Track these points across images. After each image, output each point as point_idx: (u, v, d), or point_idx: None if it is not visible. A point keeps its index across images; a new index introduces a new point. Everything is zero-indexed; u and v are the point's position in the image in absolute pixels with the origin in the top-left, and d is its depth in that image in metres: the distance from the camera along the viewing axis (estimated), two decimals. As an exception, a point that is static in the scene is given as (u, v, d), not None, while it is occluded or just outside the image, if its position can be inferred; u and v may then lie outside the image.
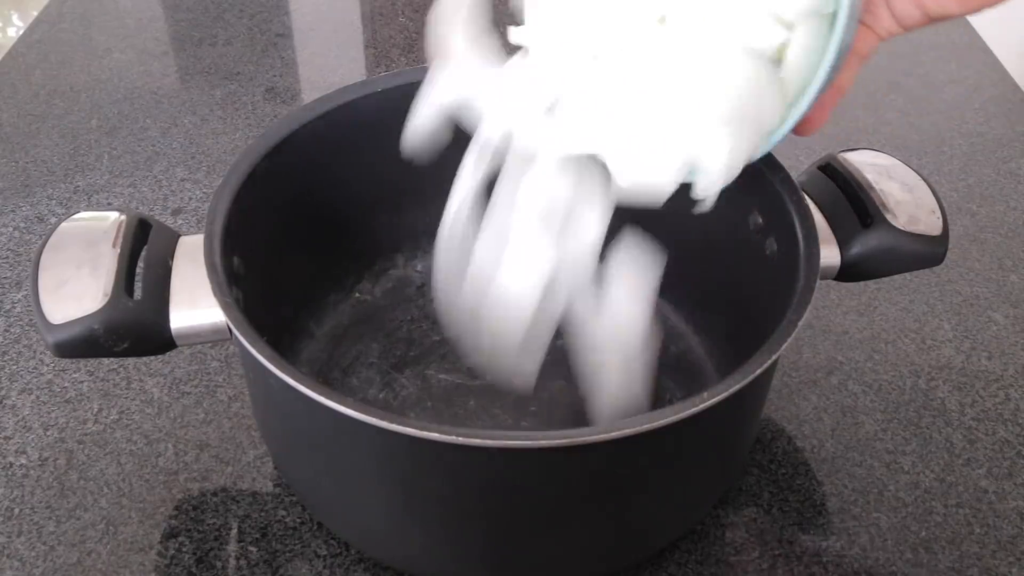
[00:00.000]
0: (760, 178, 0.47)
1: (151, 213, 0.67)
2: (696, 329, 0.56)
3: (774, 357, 0.37)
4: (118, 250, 0.42)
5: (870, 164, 0.49)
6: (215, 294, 0.39)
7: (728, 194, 0.47)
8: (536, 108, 0.43)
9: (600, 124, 0.42)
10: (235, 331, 0.38)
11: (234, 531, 0.48)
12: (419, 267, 0.59)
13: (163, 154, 0.74)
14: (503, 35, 0.43)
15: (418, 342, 0.56)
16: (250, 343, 0.37)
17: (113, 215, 0.44)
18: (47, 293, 0.40)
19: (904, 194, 0.48)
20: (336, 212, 0.53)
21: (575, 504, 0.40)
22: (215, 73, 0.84)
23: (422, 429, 0.34)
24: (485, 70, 0.43)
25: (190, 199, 0.69)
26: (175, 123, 0.77)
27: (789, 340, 0.38)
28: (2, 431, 0.52)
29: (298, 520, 0.48)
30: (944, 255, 0.47)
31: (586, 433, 0.36)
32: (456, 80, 0.44)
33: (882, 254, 0.46)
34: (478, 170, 0.44)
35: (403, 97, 0.52)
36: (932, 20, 0.39)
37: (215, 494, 0.49)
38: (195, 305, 0.41)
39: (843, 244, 0.47)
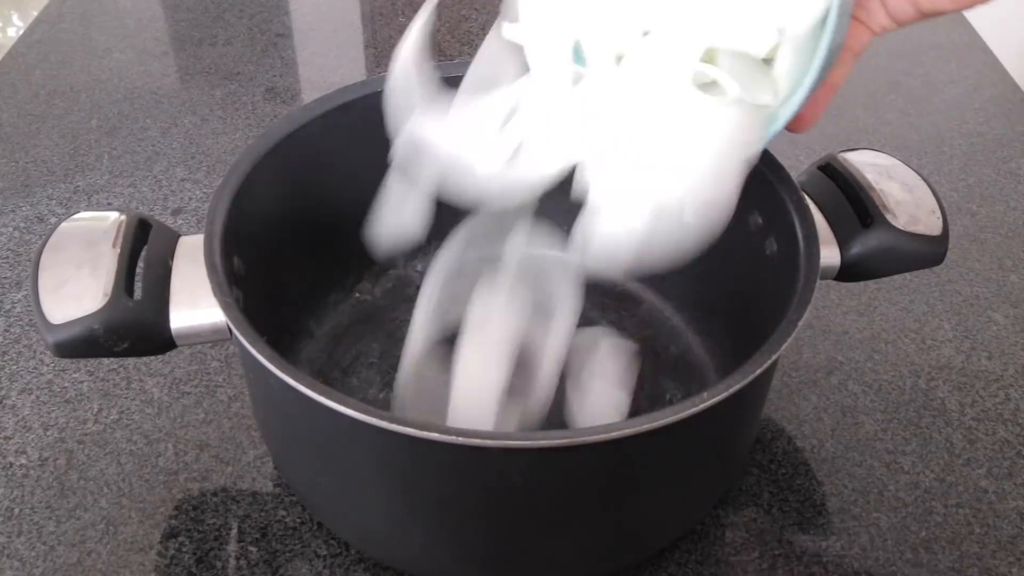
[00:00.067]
0: (760, 178, 0.46)
1: (151, 213, 0.67)
2: (696, 329, 0.56)
3: (774, 357, 0.37)
4: (118, 250, 0.42)
5: (870, 164, 0.49)
6: (215, 294, 0.39)
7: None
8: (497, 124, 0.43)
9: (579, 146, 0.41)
10: (235, 331, 0.38)
11: (234, 531, 0.48)
12: (419, 267, 0.59)
13: (163, 154, 0.74)
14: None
15: (418, 342, 0.56)
16: (250, 343, 0.37)
17: (113, 215, 0.44)
18: (47, 293, 0.40)
19: (904, 194, 0.48)
20: (336, 212, 0.53)
21: (575, 504, 0.40)
22: (215, 73, 0.84)
23: (422, 429, 0.34)
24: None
25: (190, 199, 0.69)
26: (175, 123, 0.77)
27: (789, 340, 0.38)
28: (2, 431, 0.52)
29: (298, 520, 0.48)
30: (944, 255, 0.47)
31: (586, 433, 0.36)
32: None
33: (882, 254, 0.46)
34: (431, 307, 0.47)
35: (403, 97, 0.52)
36: (925, 15, 0.39)
37: (215, 494, 0.49)
38: (195, 305, 0.41)
39: (843, 244, 0.47)
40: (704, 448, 0.42)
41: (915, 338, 0.59)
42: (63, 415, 0.53)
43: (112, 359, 0.55)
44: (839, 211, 0.48)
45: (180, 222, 0.67)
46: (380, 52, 0.88)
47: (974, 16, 0.93)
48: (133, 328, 0.41)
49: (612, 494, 0.40)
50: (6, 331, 0.58)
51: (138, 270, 0.43)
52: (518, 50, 0.43)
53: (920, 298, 0.62)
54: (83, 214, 0.45)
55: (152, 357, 0.56)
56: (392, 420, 0.34)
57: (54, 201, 0.68)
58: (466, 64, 0.47)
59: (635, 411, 0.48)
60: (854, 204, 0.47)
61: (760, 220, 0.48)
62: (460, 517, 0.41)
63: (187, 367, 0.56)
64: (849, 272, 0.47)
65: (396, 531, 0.42)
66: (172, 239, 0.45)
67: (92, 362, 0.56)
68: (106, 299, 0.40)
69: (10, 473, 0.50)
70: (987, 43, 0.90)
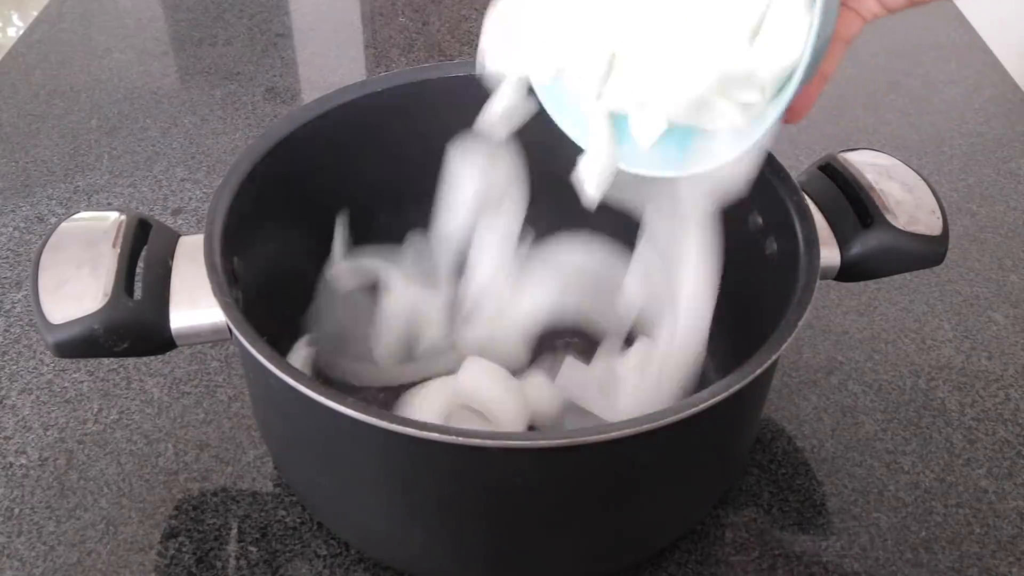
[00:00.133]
0: (760, 178, 0.46)
1: (151, 213, 0.67)
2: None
3: (774, 357, 0.37)
4: (118, 250, 0.42)
5: (870, 164, 0.49)
6: (215, 294, 0.39)
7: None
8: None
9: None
10: (235, 331, 0.38)
11: (234, 531, 0.48)
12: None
13: (163, 154, 0.74)
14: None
15: (418, 342, 0.56)
16: (250, 343, 0.37)
17: (113, 215, 0.44)
18: (47, 293, 0.40)
19: (904, 194, 0.48)
20: (336, 212, 0.53)
21: (575, 504, 0.40)
22: (215, 73, 0.84)
23: (422, 429, 0.34)
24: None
25: (190, 199, 0.69)
26: (175, 123, 0.77)
27: (789, 340, 0.38)
28: (2, 431, 0.52)
29: (298, 520, 0.48)
30: (944, 255, 0.47)
31: (586, 433, 0.36)
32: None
33: (882, 254, 0.46)
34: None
35: (403, 97, 0.52)
36: (915, 2, 0.39)
37: (215, 494, 0.49)
38: (195, 305, 0.41)
39: (843, 244, 0.46)
40: (704, 448, 0.42)
41: (915, 338, 0.59)
42: (63, 415, 0.53)
43: (112, 359, 0.55)
44: (839, 211, 0.47)
45: (180, 222, 0.67)
46: (380, 52, 0.88)
47: (974, 16, 0.93)
48: (133, 328, 0.41)
49: (612, 494, 0.40)
50: (6, 331, 0.58)
51: (138, 270, 0.43)
52: None
53: (920, 298, 0.62)
54: (83, 214, 0.45)
55: (152, 357, 0.56)
56: (392, 420, 0.34)
57: (54, 201, 0.68)
58: (466, 64, 0.47)
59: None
60: (854, 204, 0.47)
61: (760, 220, 0.48)
62: (460, 517, 0.41)
63: (187, 367, 0.56)
64: (849, 272, 0.47)
65: (396, 531, 0.42)
66: (172, 239, 0.45)
67: (92, 362, 0.56)
68: (106, 299, 0.40)
69: (10, 473, 0.50)
70: (987, 43, 0.90)
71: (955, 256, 0.64)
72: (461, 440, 0.34)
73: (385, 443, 0.37)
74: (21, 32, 0.91)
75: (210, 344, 0.57)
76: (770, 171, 0.46)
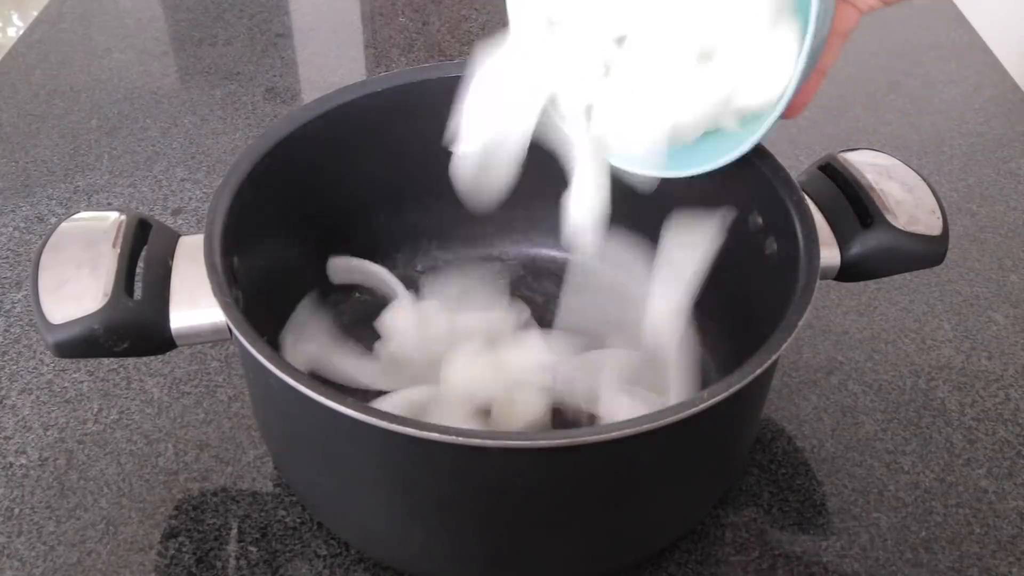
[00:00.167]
0: (760, 178, 0.47)
1: (151, 213, 0.67)
2: (696, 329, 0.56)
3: (774, 357, 0.37)
4: (118, 250, 0.42)
5: (870, 164, 0.49)
6: (215, 294, 0.39)
7: (728, 194, 0.47)
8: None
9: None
10: (235, 331, 0.38)
11: (234, 531, 0.48)
12: (419, 267, 0.59)
13: (163, 154, 0.74)
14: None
15: (418, 342, 0.56)
16: (250, 343, 0.37)
17: (113, 215, 0.44)
18: (47, 293, 0.40)
19: (904, 194, 0.48)
20: (336, 212, 0.53)
21: (575, 504, 0.40)
22: (215, 73, 0.84)
23: (422, 429, 0.34)
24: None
25: (190, 199, 0.69)
26: (175, 123, 0.77)
27: (789, 340, 0.38)
28: (2, 431, 0.52)
29: (298, 520, 0.48)
30: (944, 255, 0.47)
31: (586, 433, 0.36)
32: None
33: (882, 254, 0.46)
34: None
35: (403, 97, 0.52)
36: None
37: (215, 494, 0.49)
38: (195, 305, 0.41)
39: (843, 244, 0.46)
40: (704, 448, 0.42)
41: (915, 338, 0.59)
42: (63, 415, 0.53)
43: (112, 359, 0.55)
44: (839, 211, 0.47)
45: (180, 222, 0.67)
46: (380, 52, 0.88)
47: (974, 16, 0.93)
48: (133, 328, 0.41)
49: (612, 494, 0.40)
50: (6, 331, 0.58)
51: (138, 270, 0.43)
52: None
53: (920, 298, 0.62)
54: (83, 214, 0.45)
55: (152, 357, 0.56)
56: (392, 420, 0.34)
57: (54, 201, 0.68)
58: (466, 64, 0.47)
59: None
60: (854, 204, 0.47)
61: (760, 220, 0.48)
62: (460, 517, 0.41)
63: (187, 367, 0.56)
64: (849, 272, 0.47)
65: (396, 531, 0.42)
66: (172, 239, 0.45)
67: (92, 362, 0.56)
68: (106, 299, 0.40)
69: (10, 473, 0.50)
70: (987, 43, 0.90)
71: (955, 256, 0.64)
72: (461, 440, 0.34)
73: (385, 443, 0.37)
74: (21, 32, 0.91)
75: (210, 344, 0.57)
76: (770, 171, 0.46)
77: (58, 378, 0.55)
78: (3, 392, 0.54)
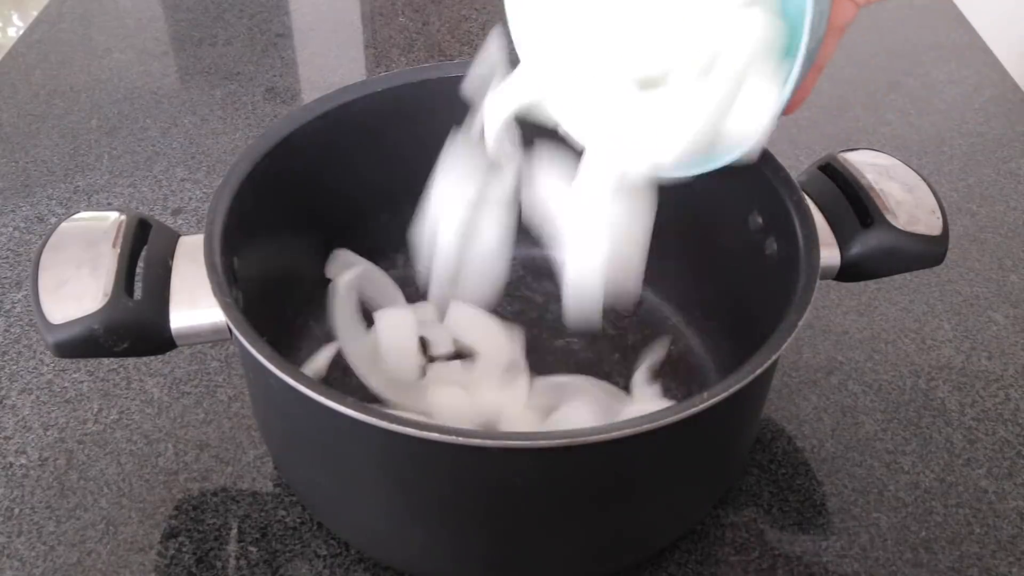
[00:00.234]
0: (760, 178, 0.47)
1: (151, 213, 0.67)
2: (696, 329, 0.56)
3: (774, 357, 0.37)
4: (118, 250, 0.42)
5: (870, 164, 0.49)
6: (215, 294, 0.39)
7: (728, 194, 0.47)
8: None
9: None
10: (235, 331, 0.38)
11: (234, 531, 0.48)
12: (419, 267, 0.59)
13: (163, 154, 0.74)
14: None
15: (418, 342, 0.56)
16: (250, 343, 0.37)
17: (113, 215, 0.44)
18: (47, 293, 0.40)
19: (904, 194, 0.48)
20: (336, 212, 0.53)
21: (575, 504, 0.40)
22: (215, 73, 0.84)
23: (422, 429, 0.34)
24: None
25: (190, 199, 0.69)
26: (175, 123, 0.77)
27: (789, 340, 0.38)
28: (2, 431, 0.52)
29: (298, 520, 0.48)
30: (944, 255, 0.47)
31: (586, 433, 0.36)
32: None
33: (882, 254, 0.46)
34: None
35: (403, 97, 0.52)
36: None
37: (215, 494, 0.49)
38: (195, 305, 0.41)
39: (843, 244, 0.46)
40: (704, 448, 0.42)
41: (915, 338, 0.59)
42: (63, 415, 0.53)
43: (112, 359, 0.55)
44: (839, 211, 0.47)
45: (180, 222, 0.67)
46: (380, 52, 0.88)
47: (974, 16, 0.93)
48: (133, 328, 0.41)
49: (612, 494, 0.40)
50: (6, 331, 0.58)
51: (138, 270, 0.43)
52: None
53: (920, 298, 0.62)
54: (83, 214, 0.45)
55: (152, 357, 0.56)
56: (392, 420, 0.34)
57: (54, 201, 0.68)
58: (466, 64, 0.47)
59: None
60: (854, 204, 0.47)
61: (760, 220, 0.48)
62: (460, 517, 0.41)
63: (187, 367, 0.56)
64: (849, 272, 0.47)
65: (396, 531, 0.42)
66: (172, 239, 0.45)
67: (92, 362, 0.56)
68: (106, 299, 0.40)
69: (10, 473, 0.50)
70: (987, 43, 0.90)
71: (955, 256, 0.64)
72: (461, 440, 0.34)
73: (385, 443, 0.37)
74: (21, 32, 0.91)
75: (210, 344, 0.57)
76: (770, 171, 0.46)
77: (58, 378, 0.55)
78: (3, 392, 0.54)
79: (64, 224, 0.44)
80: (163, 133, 0.76)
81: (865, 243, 0.46)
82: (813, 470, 0.51)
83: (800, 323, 0.38)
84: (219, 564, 0.46)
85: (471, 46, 0.87)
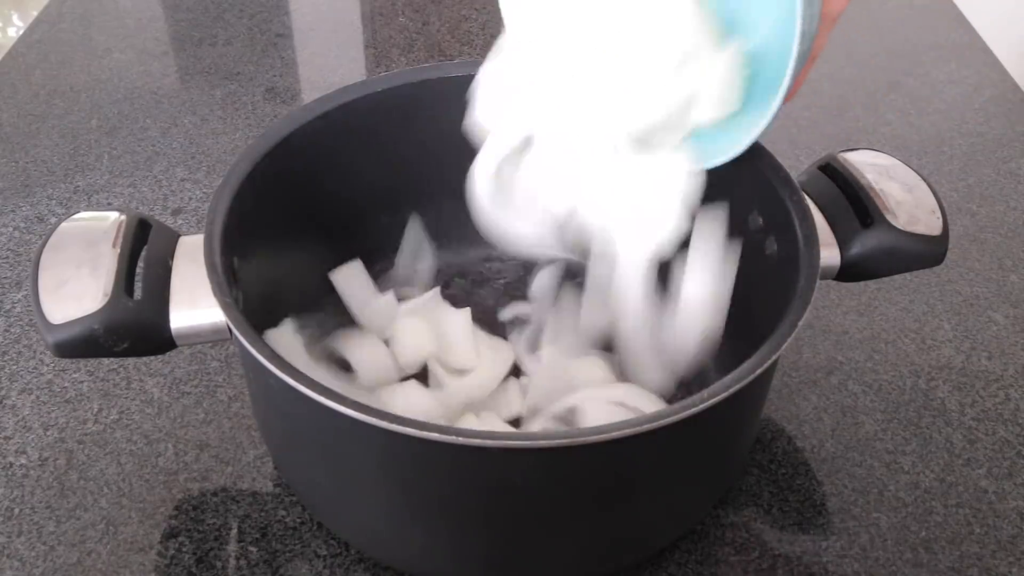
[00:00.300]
0: (760, 178, 0.47)
1: (151, 213, 0.67)
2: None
3: (774, 357, 0.37)
4: (118, 250, 0.42)
5: (870, 164, 0.49)
6: (215, 294, 0.39)
7: (728, 194, 0.47)
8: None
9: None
10: (235, 331, 0.38)
11: (234, 531, 0.48)
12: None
13: (163, 154, 0.74)
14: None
15: (418, 342, 0.56)
16: (250, 343, 0.37)
17: (113, 215, 0.44)
18: (47, 293, 0.40)
19: (904, 194, 0.48)
20: (336, 212, 0.53)
21: (575, 504, 0.40)
22: (215, 73, 0.84)
23: (422, 429, 0.34)
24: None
25: (190, 199, 0.69)
26: (175, 123, 0.77)
27: (789, 340, 0.38)
28: (2, 431, 0.52)
29: (298, 520, 0.48)
30: (944, 255, 0.47)
31: (586, 433, 0.36)
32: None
33: (882, 254, 0.46)
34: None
35: (403, 97, 0.52)
36: None
37: (215, 494, 0.49)
38: (195, 305, 0.41)
39: (843, 244, 0.46)
40: (704, 448, 0.42)
41: (915, 338, 0.59)
42: (63, 415, 0.53)
43: (112, 359, 0.55)
44: (839, 211, 0.47)
45: (180, 222, 0.67)
46: (380, 52, 0.88)
47: (974, 16, 0.93)
48: (133, 328, 0.41)
49: (612, 494, 0.40)
50: (6, 331, 0.58)
51: (138, 270, 0.43)
52: None
53: (920, 298, 0.62)
54: (83, 214, 0.45)
55: (152, 357, 0.56)
56: (392, 420, 0.34)
57: (54, 201, 0.68)
58: (467, 64, 0.47)
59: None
60: (854, 204, 0.47)
61: (760, 220, 0.48)
62: (460, 517, 0.41)
63: (187, 367, 0.56)
64: (849, 272, 0.47)
65: (396, 531, 0.42)
66: (172, 239, 0.45)
67: (92, 362, 0.56)
68: (106, 299, 0.40)
69: (10, 473, 0.50)
70: (987, 43, 0.90)
71: (955, 256, 0.64)
72: (461, 440, 0.34)
73: (385, 443, 0.37)
74: (21, 32, 0.91)
75: (210, 344, 0.57)
76: (770, 171, 0.46)
77: (58, 378, 0.55)
78: (3, 392, 0.54)
79: (64, 224, 0.44)
80: (163, 133, 0.76)
81: (865, 243, 0.46)
82: (813, 470, 0.51)
83: (800, 323, 0.38)
84: (219, 564, 0.46)
85: (471, 46, 0.87)
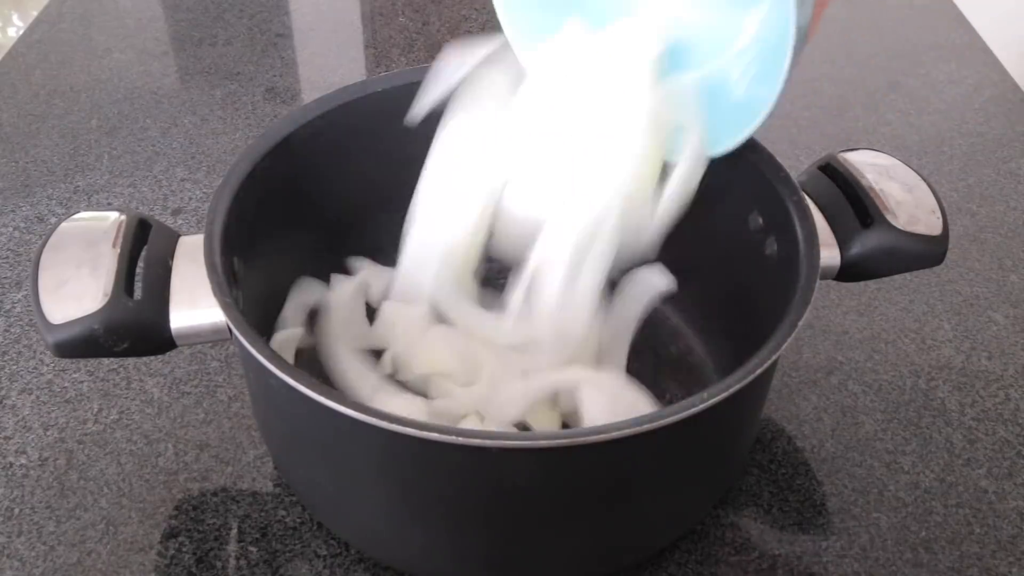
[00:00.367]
0: (760, 178, 0.47)
1: (151, 213, 0.67)
2: (696, 329, 0.56)
3: (774, 357, 0.37)
4: (118, 250, 0.42)
5: (870, 164, 0.49)
6: (215, 294, 0.39)
7: (728, 194, 0.47)
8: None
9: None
10: (235, 331, 0.38)
11: (234, 531, 0.48)
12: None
13: (163, 154, 0.74)
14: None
15: (418, 342, 0.56)
16: (250, 343, 0.37)
17: (113, 215, 0.44)
18: (47, 293, 0.40)
19: (904, 194, 0.48)
20: (336, 212, 0.53)
21: (575, 504, 0.40)
22: (215, 73, 0.84)
23: (422, 429, 0.34)
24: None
25: (190, 199, 0.69)
26: (175, 123, 0.77)
27: (789, 340, 0.38)
28: (2, 431, 0.52)
29: (298, 520, 0.48)
30: (944, 255, 0.47)
31: (586, 433, 0.36)
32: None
33: (882, 254, 0.46)
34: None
35: (403, 97, 0.52)
36: None
37: (215, 494, 0.49)
38: (195, 305, 0.41)
39: (843, 244, 0.46)
40: (704, 448, 0.42)
41: (915, 338, 0.59)
42: (63, 415, 0.53)
43: (112, 359, 0.55)
44: (839, 211, 0.47)
45: (180, 222, 0.67)
46: (380, 52, 0.88)
47: (974, 16, 0.93)
48: (133, 328, 0.41)
49: (612, 494, 0.40)
50: (6, 331, 0.58)
51: (138, 270, 0.43)
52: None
53: (920, 298, 0.62)
54: (83, 214, 0.45)
55: (152, 357, 0.56)
56: (392, 420, 0.34)
57: (54, 201, 0.68)
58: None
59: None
60: (854, 204, 0.47)
61: (760, 220, 0.48)
62: (460, 517, 0.41)
63: (187, 367, 0.56)
64: (849, 272, 0.47)
65: (396, 531, 0.42)
66: (172, 239, 0.45)
67: (92, 362, 0.56)
68: (106, 299, 0.40)
69: (10, 473, 0.50)
70: (987, 43, 0.90)
71: (955, 256, 0.64)
72: (461, 440, 0.34)
73: (385, 443, 0.37)
74: (21, 32, 0.91)
75: (210, 344, 0.57)
76: (770, 171, 0.46)
77: (58, 378, 0.55)
78: (3, 392, 0.54)
79: (64, 224, 0.44)
80: (163, 133, 0.76)
81: (865, 243, 0.46)
82: (813, 470, 0.51)
83: (800, 323, 0.38)
84: (219, 564, 0.46)
85: (471, 46, 0.87)
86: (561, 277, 0.45)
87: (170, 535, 0.47)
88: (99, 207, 0.68)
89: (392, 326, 0.51)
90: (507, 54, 0.48)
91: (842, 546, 0.48)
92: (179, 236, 0.45)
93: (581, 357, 0.49)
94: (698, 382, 0.53)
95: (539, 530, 0.40)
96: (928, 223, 0.47)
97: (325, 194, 0.52)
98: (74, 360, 0.56)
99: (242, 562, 0.46)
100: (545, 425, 0.48)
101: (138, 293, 0.42)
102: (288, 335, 0.50)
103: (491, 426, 0.48)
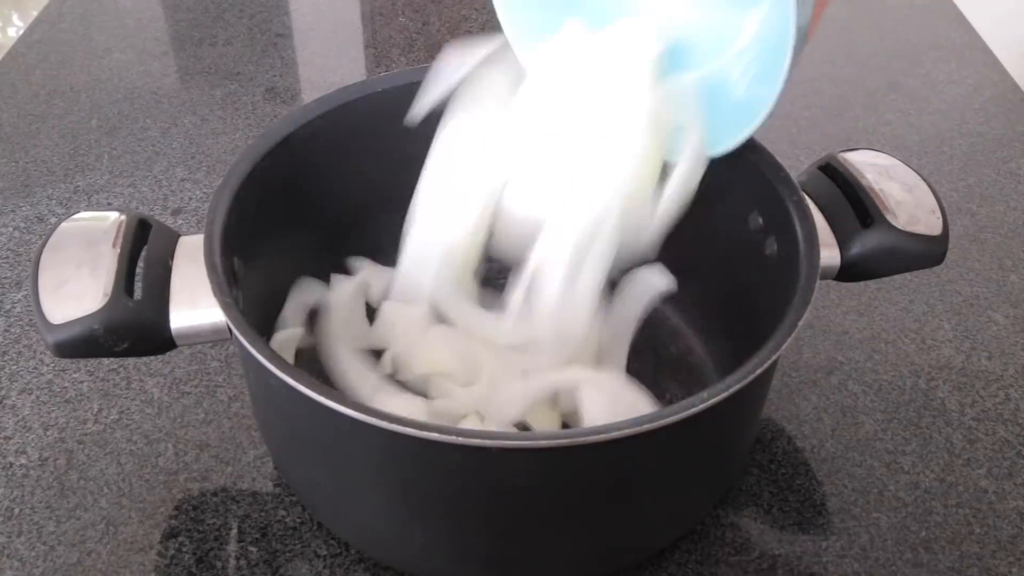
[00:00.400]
0: (760, 178, 0.47)
1: (151, 213, 0.67)
2: (696, 329, 0.56)
3: (774, 357, 0.37)
4: (118, 250, 0.42)
5: (870, 164, 0.49)
6: (215, 294, 0.39)
7: (728, 194, 0.47)
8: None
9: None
10: (235, 331, 0.38)
11: (234, 531, 0.48)
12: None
13: (163, 154, 0.74)
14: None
15: (418, 342, 0.56)
16: (250, 343, 0.37)
17: (113, 215, 0.44)
18: (47, 293, 0.40)
19: (904, 194, 0.48)
20: (336, 212, 0.53)
21: (575, 504, 0.40)
22: (215, 73, 0.84)
23: (422, 429, 0.34)
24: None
25: (190, 199, 0.69)
26: (175, 123, 0.77)
27: (789, 340, 0.38)
28: (2, 431, 0.52)
29: (298, 520, 0.48)
30: (944, 255, 0.47)
31: (586, 433, 0.36)
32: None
33: (882, 254, 0.46)
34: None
35: (403, 97, 0.52)
36: None
37: (215, 494, 0.49)
38: (195, 305, 0.41)
39: (843, 244, 0.46)
40: (704, 448, 0.42)
41: (915, 338, 0.59)
42: (63, 415, 0.53)
43: (112, 359, 0.55)
44: (839, 211, 0.47)
45: (180, 222, 0.67)
46: (380, 52, 0.88)
47: (974, 16, 0.93)
48: (133, 328, 0.41)
49: (612, 494, 0.40)
50: (6, 331, 0.58)
51: (138, 270, 0.43)
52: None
53: (920, 298, 0.62)
54: (83, 214, 0.45)
55: (152, 357, 0.56)
56: (392, 420, 0.34)
57: (54, 201, 0.68)
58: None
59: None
60: (854, 204, 0.47)
61: (760, 220, 0.48)
62: (460, 517, 0.41)
63: (187, 367, 0.56)
64: (849, 272, 0.47)
65: (396, 531, 0.42)
66: (172, 239, 0.45)
67: (92, 362, 0.56)
68: (106, 299, 0.40)
69: (10, 473, 0.50)
70: (987, 43, 0.90)
71: (955, 256, 0.64)
72: (461, 440, 0.34)
73: (385, 443, 0.37)
74: (21, 32, 0.91)
75: (210, 344, 0.57)
76: (770, 171, 0.46)
77: (58, 378, 0.55)
78: (3, 392, 0.54)
79: (64, 224, 0.44)
80: (163, 133, 0.76)
81: (865, 243, 0.46)
82: (813, 470, 0.51)
83: (800, 323, 0.38)
84: (219, 564, 0.46)
85: (471, 46, 0.87)
86: (561, 277, 0.45)
87: (170, 535, 0.47)
88: (99, 207, 0.68)
89: (392, 326, 0.51)
90: (507, 54, 0.48)
91: (842, 546, 0.48)
92: (179, 236, 0.45)
93: (581, 357, 0.49)
94: (698, 382, 0.53)
95: (539, 530, 0.40)
96: (928, 223, 0.47)
97: (325, 194, 0.52)
98: (74, 360, 0.56)
99: (242, 562, 0.46)
100: (545, 425, 0.48)
101: (138, 293, 0.42)
102: (288, 335, 0.49)
103: (491, 426, 0.48)
